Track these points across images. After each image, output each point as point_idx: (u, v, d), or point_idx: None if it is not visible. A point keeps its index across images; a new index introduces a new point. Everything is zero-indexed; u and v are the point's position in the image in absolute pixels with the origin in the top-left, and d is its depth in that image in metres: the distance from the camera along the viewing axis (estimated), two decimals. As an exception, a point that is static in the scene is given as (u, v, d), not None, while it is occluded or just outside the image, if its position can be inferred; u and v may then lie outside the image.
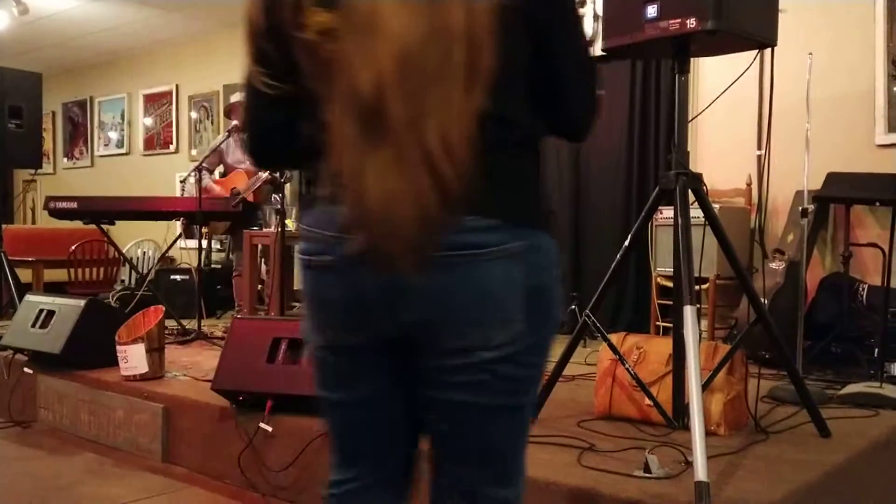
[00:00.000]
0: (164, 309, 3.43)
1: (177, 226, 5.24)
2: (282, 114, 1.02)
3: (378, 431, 1.10)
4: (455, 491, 1.07)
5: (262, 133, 1.09)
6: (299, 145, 1.01)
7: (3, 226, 5.24)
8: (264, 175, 4.29)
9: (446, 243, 0.91)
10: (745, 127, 4.28)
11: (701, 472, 1.75)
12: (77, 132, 8.84)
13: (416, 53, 0.87)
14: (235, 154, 4.91)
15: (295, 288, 4.93)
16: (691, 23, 2.07)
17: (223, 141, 4.82)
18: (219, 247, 6.68)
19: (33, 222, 9.03)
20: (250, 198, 4.65)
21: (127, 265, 5.82)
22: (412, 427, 1.11)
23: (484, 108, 0.90)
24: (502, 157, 0.95)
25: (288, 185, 5.21)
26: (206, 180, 4.82)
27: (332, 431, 1.12)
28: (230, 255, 5.61)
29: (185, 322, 4.60)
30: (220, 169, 5.10)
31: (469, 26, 0.88)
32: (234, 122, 4.78)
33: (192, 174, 4.44)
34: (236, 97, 4.99)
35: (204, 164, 4.82)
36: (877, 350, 3.27)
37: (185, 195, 5.08)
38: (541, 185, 1.03)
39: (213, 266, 6.33)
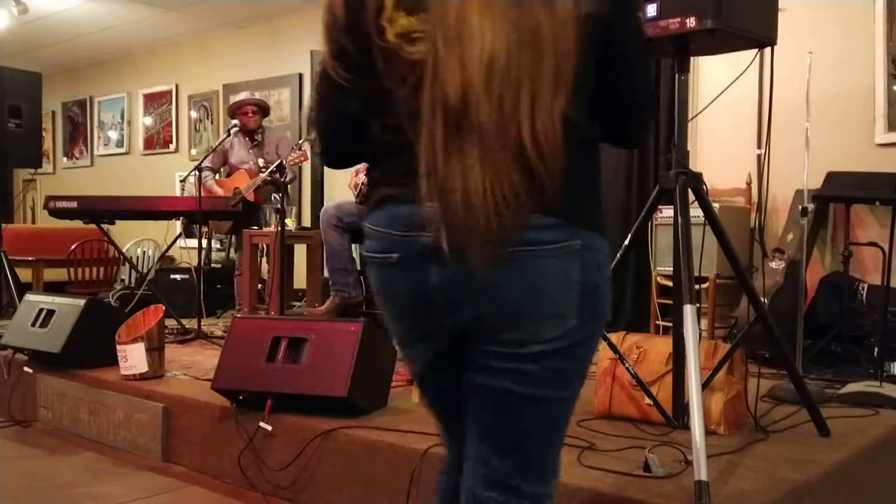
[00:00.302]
0: (163, 308, 3.43)
1: (177, 225, 5.24)
2: (357, 109, 1.05)
3: (451, 410, 1.15)
4: (484, 481, 1.08)
5: (338, 127, 1.10)
6: (368, 143, 1.04)
7: (3, 225, 5.24)
8: (264, 175, 4.30)
9: (516, 239, 0.95)
10: (744, 126, 4.28)
11: (701, 471, 1.75)
12: (77, 132, 8.84)
13: (502, 59, 0.91)
14: (239, 154, 4.90)
15: (295, 287, 4.93)
16: (691, 22, 2.07)
17: (224, 139, 4.82)
18: (218, 246, 6.68)
19: (33, 222, 9.03)
20: (251, 197, 4.64)
21: (127, 264, 5.81)
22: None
23: (563, 112, 0.94)
24: (568, 158, 0.97)
25: (289, 186, 5.22)
26: (210, 181, 4.82)
27: (425, 400, 1.23)
28: (229, 255, 5.61)
29: (184, 321, 4.60)
30: (226, 169, 5.09)
31: (555, 33, 0.92)
32: (234, 122, 4.77)
33: (193, 174, 4.44)
34: (241, 96, 4.99)
35: (208, 164, 4.82)
36: (876, 349, 3.27)
37: (185, 195, 5.09)
38: (597, 187, 1.08)
39: (212, 265, 6.33)
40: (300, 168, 6.02)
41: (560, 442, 1.11)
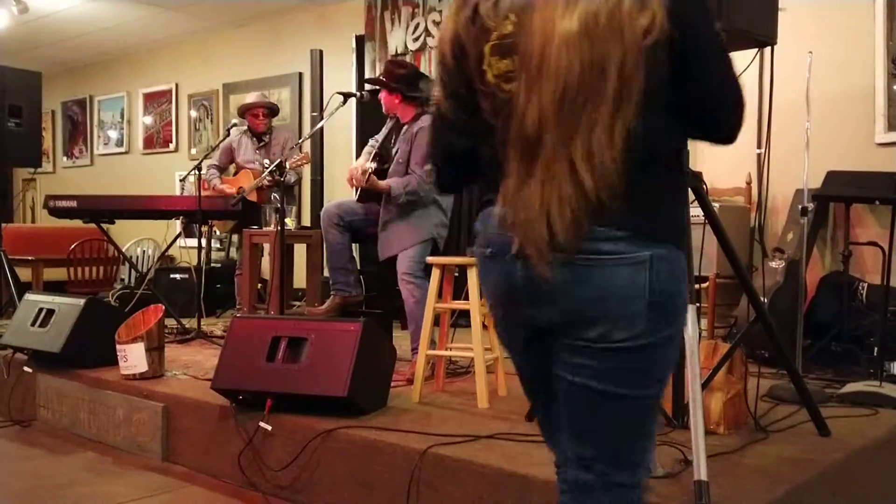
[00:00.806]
0: (163, 308, 3.43)
1: (176, 224, 5.23)
2: (465, 144, 1.24)
3: (540, 391, 1.28)
4: (578, 463, 1.21)
5: (449, 159, 1.29)
6: (476, 167, 1.23)
7: (3, 225, 5.23)
8: (264, 176, 4.31)
9: (580, 249, 1.08)
10: (744, 125, 4.26)
11: (700, 471, 1.75)
12: (77, 131, 8.84)
13: (572, 88, 1.05)
14: (246, 154, 4.89)
15: (295, 286, 4.93)
16: (691, 21, 2.06)
17: (226, 137, 4.81)
18: (218, 246, 6.68)
19: (33, 221, 9.03)
20: (254, 197, 4.64)
21: (126, 264, 5.81)
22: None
23: (628, 130, 1.05)
24: (637, 173, 1.07)
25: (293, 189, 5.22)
26: (216, 180, 4.82)
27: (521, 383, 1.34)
28: (229, 255, 5.61)
29: (184, 321, 4.60)
30: (231, 167, 5.09)
31: (622, 61, 1.04)
32: (234, 122, 4.78)
33: (193, 173, 4.44)
34: (252, 97, 4.98)
35: (214, 163, 4.81)
36: (876, 349, 3.27)
37: (185, 194, 5.08)
38: (676, 199, 1.20)
39: (212, 265, 6.33)
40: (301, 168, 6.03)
41: (644, 438, 1.21)
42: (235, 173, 5.03)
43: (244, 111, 4.88)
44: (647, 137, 1.08)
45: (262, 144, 4.88)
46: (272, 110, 4.93)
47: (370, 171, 3.33)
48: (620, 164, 1.05)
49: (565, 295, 1.11)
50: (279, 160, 3.89)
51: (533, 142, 1.07)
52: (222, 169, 4.94)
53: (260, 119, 4.82)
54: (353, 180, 3.41)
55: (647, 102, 1.06)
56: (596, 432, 1.17)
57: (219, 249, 6.67)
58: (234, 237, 5.09)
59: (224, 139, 4.86)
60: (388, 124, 3.74)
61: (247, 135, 4.86)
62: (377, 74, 4.13)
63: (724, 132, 1.24)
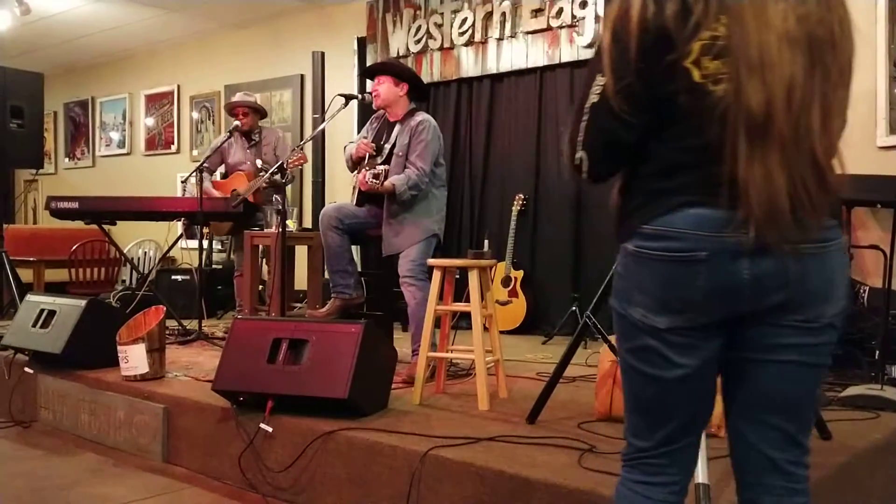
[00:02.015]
0: (164, 309, 3.43)
1: (178, 226, 5.24)
2: (628, 137, 1.23)
3: (701, 397, 1.28)
4: (773, 443, 1.26)
5: (611, 152, 1.27)
6: (631, 161, 1.26)
7: (5, 225, 5.24)
8: (265, 177, 4.31)
9: (814, 237, 1.16)
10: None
11: (701, 474, 1.74)
12: (78, 132, 8.85)
13: (800, 84, 1.12)
14: (237, 155, 4.89)
15: (296, 288, 4.92)
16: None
17: (225, 140, 4.81)
18: (219, 247, 6.68)
19: (34, 222, 9.04)
20: (251, 198, 4.64)
21: (128, 265, 5.82)
22: (715, 394, 1.31)
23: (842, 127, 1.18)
24: (826, 164, 1.17)
25: (289, 187, 5.22)
26: (206, 183, 4.80)
27: (651, 408, 1.28)
28: (230, 256, 5.61)
29: (185, 322, 4.60)
30: (222, 170, 5.09)
31: (839, 68, 1.15)
32: (236, 123, 4.77)
33: (194, 174, 4.44)
34: (238, 97, 4.99)
35: (205, 164, 4.80)
36: (878, 352, 3.26)
37: (187, 195, 5.08)
38: None
39: (213, 266, 6.33)
40: (301, 169, 6.03)
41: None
42: (224, 175, 5.01)
43: (229, 110, 4.92)
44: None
45: (251, 144, 4.88)
46: (256, 109, 4.91)
47: (383, 173, 3.33)
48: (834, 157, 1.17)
49: (798, 281, 1.17)
50: (280, 162, 3.89)
51: (762, 125, 1.11)
52: (211, 171, 4.92)
53: (240, 118, 4.80)
54: (361, 184, 3.41)
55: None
56: (799, 405, 1.26)
57: (220, 251, 6.67)
58: (234, 239, 5.07)
59: (226, 140, 4.84)
60: (374, 123, 3.74)
61: (236, 136, 4.86)
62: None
63: None
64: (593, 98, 1.22)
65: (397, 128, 3.55)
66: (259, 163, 4.67)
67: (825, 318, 1.20)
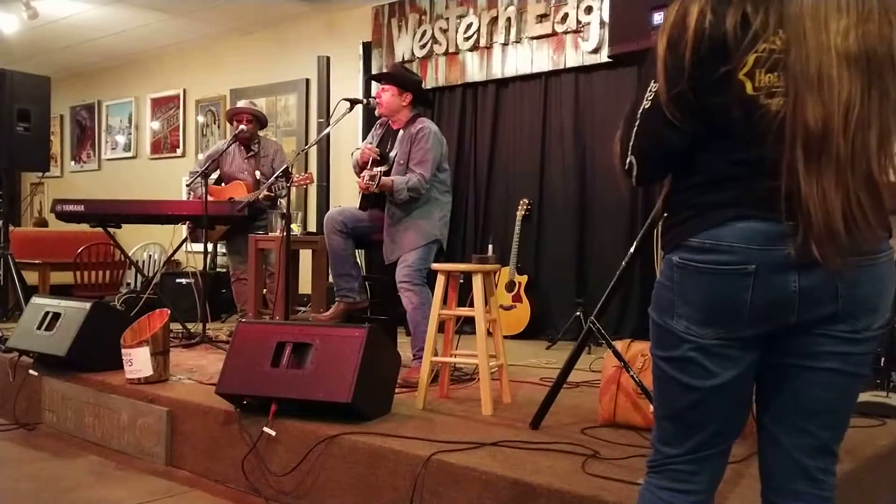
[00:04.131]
0: (169, 312, 3.43)
1: (182, 229, 5.25)
2: (679, 142, 1.23)
3: (735, 407, 1.28)
4: (807, 450, 1.27)
5: (661, 156, 1.27)
6: (679, 169, 1.27)
7: (11, 228, 5.26)
8: (262, 189, 4.33)
9: (865, 248, 1.17)
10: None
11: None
12: (85, 135, 8.88)
13: (857, 103, 1.12)
14: (235, 163, 4.84)
15: (300, 292, 4.92)
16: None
17: (228, 145, 4.80)
18: (223, 251, 6.69)
19: (45, 225, 9.06)
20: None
21: (133, 268, 5.83)
22: (750, 404, 1.32)
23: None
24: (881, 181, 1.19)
25: (293, 192, 5.21)
26: (200, 189, 4.78)
27: (685, 416, 1.28)
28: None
29: (189, 325, 4.61)
30: (215, 175, 5.03)
31: None
32: (242, 127, 4.76)
33: (199, 179, 4.44)
34: (242, 103, 4.99)
35: (198, 168, 4.79)
36: (883, 359, 3.25)
37: (192, 198, 5.07)
38: None
39: (218, 270, 6.34)
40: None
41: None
42: (218, 180, 4.97)
43: (231, 116, 4.88)
44: None
45: (250, 154, 4.85)
46: (258, 118, 4.87)
47: (380, 174, 3.33)
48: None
49: (847, 293, 1.18)
50: (285, 166, 3.90)
51: (820, 141, 1.11)
52: (206, 175, 4.87)
53: (244, 124, 4.76)
54: (360, 187, 3.41)
55: None
56: (836, 413, 1.26)
57: (224, 254, 6.68)
58: (227, 244, 5.03)
59: (230, 143, 4.83)
60: (378, 130, 3.75)
61: (236, 144, 4.82)
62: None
63: None
64: (646, 104, 1.23)
65: (400, 134, 3.56)
66: (258, 174, 4.66)
67: (872, 329, 1.21)
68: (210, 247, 5.79)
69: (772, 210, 1.15)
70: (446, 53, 5.65)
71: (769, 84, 1.14)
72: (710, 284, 1.20)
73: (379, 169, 3.40)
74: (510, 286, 5.07)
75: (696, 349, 1.22)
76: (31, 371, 3.63)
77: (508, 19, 5.30)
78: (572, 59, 5.01)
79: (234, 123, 4.80)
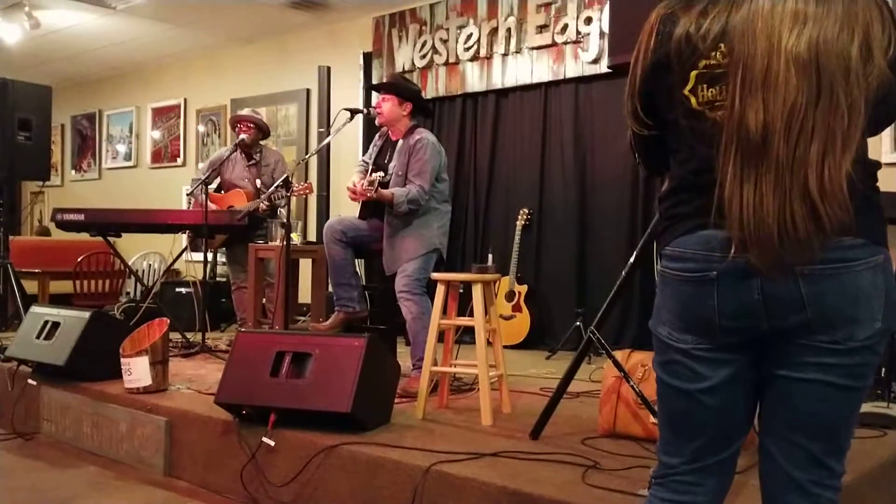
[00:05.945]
0: (168, 321, 3.43)
1: (182, 238, 5.25)
2: (655, 147, 1.32)
3: (730, 413, 1.27)
4: (797, 463, 1.24)
5: (650, 158, 1.38)
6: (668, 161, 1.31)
7: (11, 237, 5.26)
8: (264, 198, 4.34)
9: (825, 258, 1.13)
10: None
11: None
12: (85, 145, 8.90)
13: (801, 109, 1.09)
14: (236, 171, 4.83)
15: (300, 301, 4.91)
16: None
17: (230, 153, 4.80)
18: (224, 260, 6.69)
19: (48, 234, 9.07)
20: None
21: (132, 277, 5.83)
22: (750, 412, 1.30)
23: (855, 150, 1.12)
24: (860, 189, 1.15)
25: (292, 201, 5.20)
26: (201, 197, 4.78)
27: (681, 421, 1.30)
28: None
29: (189, 335, 4.60)
30: (216, 182, 5.03)
31: (851, 96, 1.09)
32: (242, 136, 4.76)
33: (200, 188, 4.45)
34: (245, 111, 5.00)
35: (198, 176, 4.78)
36: (884, 369, 3.25)
37: (193, 205, 5.07)
38: (882, 208, 1.25)
39: (217, 279, 6.34)
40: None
41: (855, 425, 1.27)
42: (218, 188, 4.97)
43: (234, 123, 4.89)
44: (863, 160, 1.17)
45: (252, 163, 4.85)
46: (260, 127, 4.87)
47: (378, 180, 3.33)
48: (847, 178, 1.11)
49: (815, 302, 1.15)
50: (286, 175, 3.91)
51: (759, 146, 1.11)
52: (207, 183, 4.87)
53: (246, 131, 4.76)
54: (358, 194, 3.40)
55: (862, 142, 1.16)
56: (826, 426, 1.22)
57: (224, 264, 6.67)
58: (227, 252, 5.02)
59: (233, 152, 4.82)
60: (378, 141, 3.76)
61: (238, 151, 4.81)
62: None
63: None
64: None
65: (399, 145, 3.57)
66: (259, 183, 4.66)
67: (856, 340, 1.17)
68: (210, 256, 5.79)
69: (720, 218, 1.16)
70: (446, 64, 5.66)
71: (712, 98, 1.17)
72: (680, 292, 1.24)
73: (377, 174, 3.40)
74: (510, 296, 5.07)
75: (683, 354, 1.25)
76: (29, 380, 3.63)
77: (508, 30, 5.33)
78: (572, 69, 5.02)
79: (237, 130, 4.82)
